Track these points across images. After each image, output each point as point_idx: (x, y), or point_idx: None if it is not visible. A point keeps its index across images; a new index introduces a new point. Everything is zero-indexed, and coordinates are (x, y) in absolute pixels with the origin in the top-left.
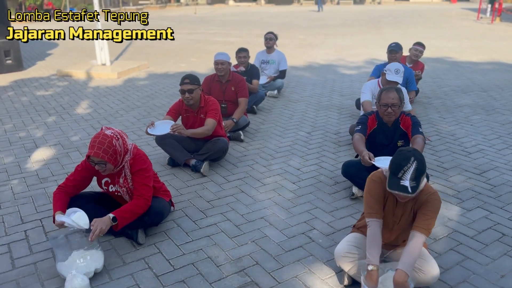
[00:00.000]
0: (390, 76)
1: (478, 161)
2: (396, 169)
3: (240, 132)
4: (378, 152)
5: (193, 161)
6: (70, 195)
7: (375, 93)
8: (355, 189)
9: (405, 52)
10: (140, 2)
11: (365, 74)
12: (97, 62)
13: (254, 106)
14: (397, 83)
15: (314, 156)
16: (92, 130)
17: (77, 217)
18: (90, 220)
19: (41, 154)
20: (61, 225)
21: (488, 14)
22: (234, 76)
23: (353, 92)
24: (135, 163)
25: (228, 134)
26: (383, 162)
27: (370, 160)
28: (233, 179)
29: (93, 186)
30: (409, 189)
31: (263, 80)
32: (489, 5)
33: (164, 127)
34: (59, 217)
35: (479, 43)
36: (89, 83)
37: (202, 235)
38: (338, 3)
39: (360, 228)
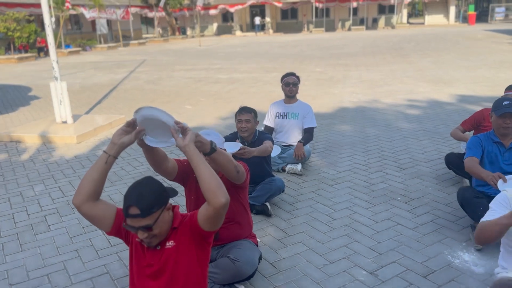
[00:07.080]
0: None
1: None
2: None
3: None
4: None
5: None
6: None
7: None
8: None
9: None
10: (144, 35)
11: (418, 124)
12: (56, 120)
13: (267, 204)
14: None
15: None
16: None
17: None
18: None
19: None
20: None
21: None
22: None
23: (414, 160)
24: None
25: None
26: None
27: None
28: None
29: None
30: None
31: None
32: None
33: None
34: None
35: None
36: (36, 155)
37: None
38: (349, 29)
39: None
